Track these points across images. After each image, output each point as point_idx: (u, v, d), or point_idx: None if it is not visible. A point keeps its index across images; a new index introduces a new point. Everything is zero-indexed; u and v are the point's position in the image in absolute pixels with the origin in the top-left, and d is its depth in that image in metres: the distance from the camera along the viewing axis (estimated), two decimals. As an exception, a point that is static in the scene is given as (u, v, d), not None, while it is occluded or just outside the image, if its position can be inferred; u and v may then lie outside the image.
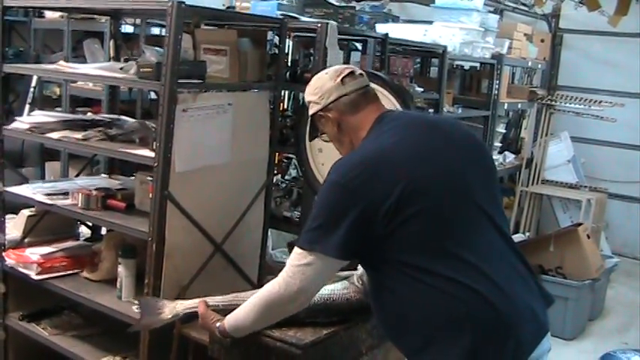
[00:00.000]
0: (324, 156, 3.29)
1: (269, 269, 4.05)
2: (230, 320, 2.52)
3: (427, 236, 2.15)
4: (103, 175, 4.30)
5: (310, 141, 3.15)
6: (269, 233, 3.88)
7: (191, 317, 2.98)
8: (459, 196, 2.23)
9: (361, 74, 2.50)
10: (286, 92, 4.92)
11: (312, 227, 2.24)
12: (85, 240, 4.14)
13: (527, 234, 7.24)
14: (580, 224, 6.04)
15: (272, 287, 2.34)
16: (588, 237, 5.91)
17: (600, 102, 7.07)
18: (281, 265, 4.47)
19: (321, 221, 2.23)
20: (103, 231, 4.06)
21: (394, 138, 2.29)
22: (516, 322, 2.14)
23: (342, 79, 2.42)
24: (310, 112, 2.52)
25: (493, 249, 2.25)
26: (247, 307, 2.45)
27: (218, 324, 2.56)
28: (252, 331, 2.53)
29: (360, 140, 2.37)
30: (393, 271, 2.20)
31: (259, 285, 3.60)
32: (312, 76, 3.48)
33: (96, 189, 3.57)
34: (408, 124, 2.42)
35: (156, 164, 3.04)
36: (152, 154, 3.07)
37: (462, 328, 2.10)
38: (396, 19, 6.33)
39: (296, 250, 2.28)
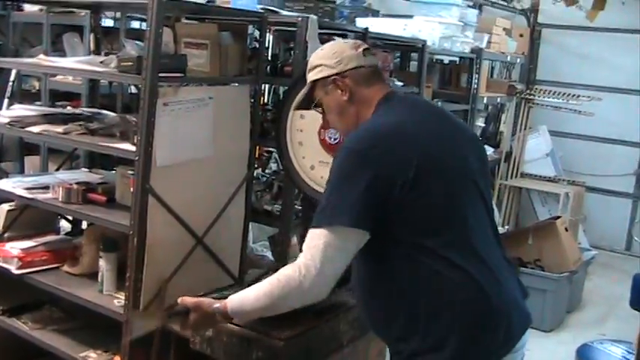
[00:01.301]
0: (304, 149, 3.31)
1: (250, 262, 4.07)
2: (234, 301, 2.33)
3: (440, 217, 2.15)
4: (83, 169, 4.29)
5: (295, 109, 2.97)
6: (250, 227, 3.89)
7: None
8: (468, 181, 2.26)
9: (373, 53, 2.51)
10: (267, 86, 4.93)
11: (326, 203, 2.15)
12: (65, 234, 4.14)
13: (507, 227, 7.29)
14: (558, 217, 6.11)
15: (291, 272, 2.16)
16: (566, 230, 5.97)
17: (578, 96, 7.13)
18: (262, 259, 4.52)
19: (334, 192, 2.15)
20: (84, 225, 4.06)
21: (407, 116, 2.30)
22: (507, 310, 2.17)
23: (362, 51, 2.40)
24: (318, 75, 2.41)
25: (488, 237, 2.29)
26: (259, 291, 2.25)
27: (217, 304, 2.38)
28: (257, 317, 2.39)
29: (366, 114, 2.34)
30: (399, 255, 2.17)
31: (240, 278, 3.62)
32: (293, 70, 3.51)
33: (76, 183, 3.56)
34: (417, 104, 2.49)
35: (137, 158, 3.04)
36: (133, 148, 3.08)
37: (458, 315, 2.12)
38: (375, 14, 6.34)
39: (311, 231, 2.16)
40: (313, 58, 2.46)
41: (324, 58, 2.40)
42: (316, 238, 2.13)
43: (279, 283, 2.18)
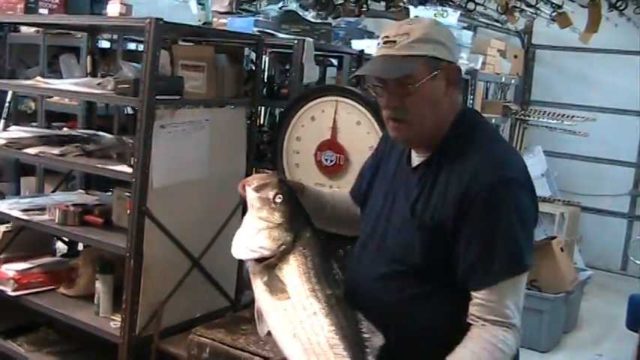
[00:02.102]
0: (301, 171, 3.31)
1: (246, 284, 4.06)
2: None
3: None
4: (79, 190, 4.29)
5: (373, 74, 2.07)
6: (246, 248, 3.88)
7: (169, 332, 2.99)
8: None
9: None
10: (263, 108, 4.95)
11: (515, 247, 1.90)
12: (61, 256, 4.13)
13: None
14: (554, 237, 6.11)
15: (512, 339, 1.89)
16: (562, 250, 5.98)
17: (573, 117, 7.17)
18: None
19: (521, 233, 1.91)
20: (80, 247, 4.06)
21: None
22: None
23: None
24: (434, 52, 1.95)
25: None
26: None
27: None
28: None
29: (446, 119, 2.02)
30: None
31: (236, 299, 3.61)
32: (289, 92, 3.52)
33: (73, 204, 3.57)
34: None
35: (134, 180, 3.05)
36: (130, 170, 3.09)
37: None
38: (371, 35, 6.36)
39: (511, 281, 1.90)
40: (430, 30, 1.97)
41: (445, 37, 2.01)
42: (518, 290, 1.93)
43: (503, 356, 1.88)
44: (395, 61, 1.94)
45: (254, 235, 1.93)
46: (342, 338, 1.85)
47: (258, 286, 1.93)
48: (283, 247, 1.92)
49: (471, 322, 1.91)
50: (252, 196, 2.01)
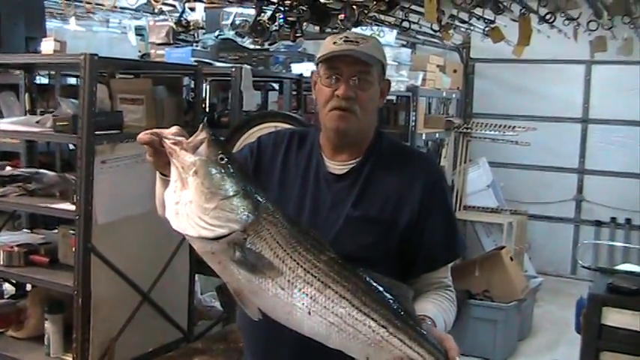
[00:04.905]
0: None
1: (199, 314, 4.05)
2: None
3: None
4: (24, 230, 4.24)
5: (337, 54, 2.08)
6: (196, 278, 3.88)
7: None
8: None
9: None
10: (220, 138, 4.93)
11: (458, 233, 2.21)
12: (9, 298, 4.07)
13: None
14: (503, 247, 6.19)
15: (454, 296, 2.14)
16: (512, 259, 6.06)
17: (514, 127, 7.28)
18: (210, 309, 4.48)
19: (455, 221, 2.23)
20: (28, 287, 4.00)
21: None
22: None
23: None
24: (383, 61, 2.11)
25: None
26: (450, 307, 2.08)
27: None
28: None
29: (372, 127, 2.13)
30: None
31: (189, 331, 3.59)
32: (230, 120, 3.53)
33: (18, 245, 3.53)
34: None
35: (77, 217, 3.03)
36: (73, 208, 3.07)
37: None
38: (311, 58, 6.41)
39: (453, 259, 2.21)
40: (378, 45, 2.14)
41: (384, 56, 2.15)
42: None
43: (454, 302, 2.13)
44: (362, 55, 2.01)
45: (211, 208, 1.62)
46: (372, 301, 1.68)
47: (228, 266, 1.65)
48: (251, 216, 1.64)
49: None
50: (186, 160, 1.65)
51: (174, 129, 1.71)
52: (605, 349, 3.52)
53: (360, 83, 2.02)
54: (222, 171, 1.65)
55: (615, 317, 3.49)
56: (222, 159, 1.66)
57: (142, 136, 1.73)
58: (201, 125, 1.69)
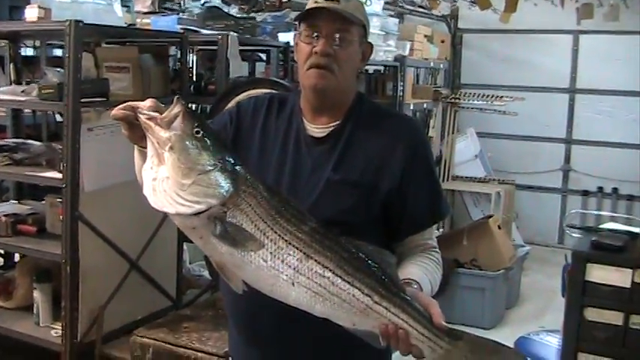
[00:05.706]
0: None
1: (187, 283, 4.05)
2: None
3: None
4: (12, 201, 4.23)
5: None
6: (185, 247, 3.88)
7: (112, 336, 2.97)
8: None
9: None
10: (193, 105, 4.92)
11: (442, 193, 2.21)
12: (-3, 268, 4.07)
13: (442, 229, 7.39)
14: (491, 216, 6.21)
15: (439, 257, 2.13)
16: (499, 228, 6.08)
17: (502, 97, 7.27)
18: (199, 279, 4.50)
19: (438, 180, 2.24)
20: (16, 258, 4.00)
21: None
22: None
23: None
24: (364, 23, 2.08)
25: None
26: (436, 270, 2.07)
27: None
28: None
29: (352, 90, 2.13)
30: None
31: (177, 299, 3.60)
32: (216, 88, 3.51)
33: (5, 215, 3.52)
34: None
35: (64, 185, 3.03)
36: (59, 176, 3.06)
37: None
38: (298, 27, 6.39)
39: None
40: (361, 8, 2.12)
41: (368, 20, 2.14)
42: None
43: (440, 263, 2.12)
44: (342, 11, 1.98)
45: (189, 184, 1.59)
46: (355, 269, 1.68)
47: (210, 240, 1.63)
48: (230, 190, 1.61)
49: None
50: (162, 135, 1.61)
51: (148, 102, 1.65)
52: (589, 305, 3.53)
53: (339, 41, 1.99)
54: (199, 145, 1.61)
55: (599, 273, 3.50)
56: (197, 132, 1.62)
57: (116, 112, 1.67)
58: (175, 98, 1.64)
